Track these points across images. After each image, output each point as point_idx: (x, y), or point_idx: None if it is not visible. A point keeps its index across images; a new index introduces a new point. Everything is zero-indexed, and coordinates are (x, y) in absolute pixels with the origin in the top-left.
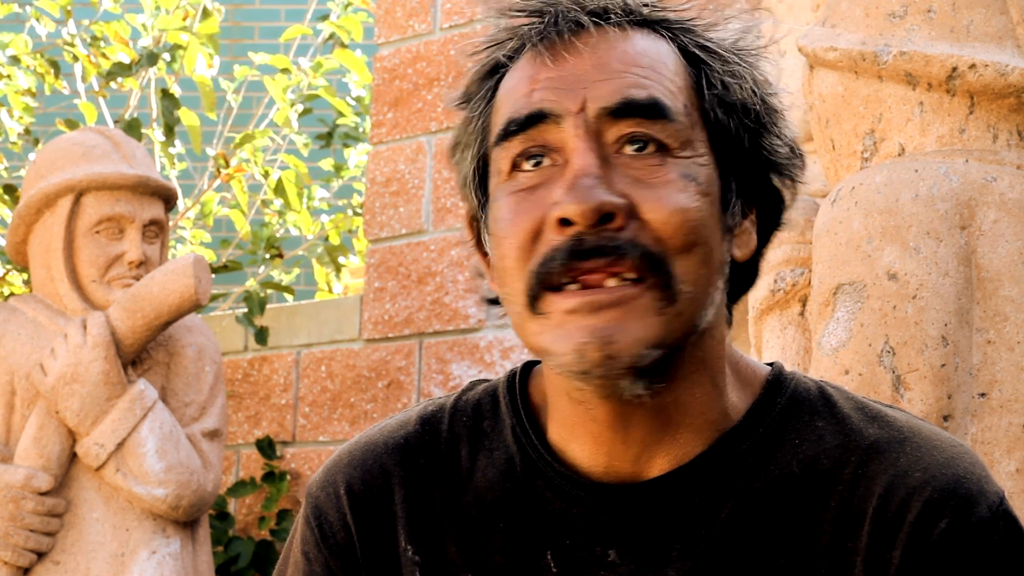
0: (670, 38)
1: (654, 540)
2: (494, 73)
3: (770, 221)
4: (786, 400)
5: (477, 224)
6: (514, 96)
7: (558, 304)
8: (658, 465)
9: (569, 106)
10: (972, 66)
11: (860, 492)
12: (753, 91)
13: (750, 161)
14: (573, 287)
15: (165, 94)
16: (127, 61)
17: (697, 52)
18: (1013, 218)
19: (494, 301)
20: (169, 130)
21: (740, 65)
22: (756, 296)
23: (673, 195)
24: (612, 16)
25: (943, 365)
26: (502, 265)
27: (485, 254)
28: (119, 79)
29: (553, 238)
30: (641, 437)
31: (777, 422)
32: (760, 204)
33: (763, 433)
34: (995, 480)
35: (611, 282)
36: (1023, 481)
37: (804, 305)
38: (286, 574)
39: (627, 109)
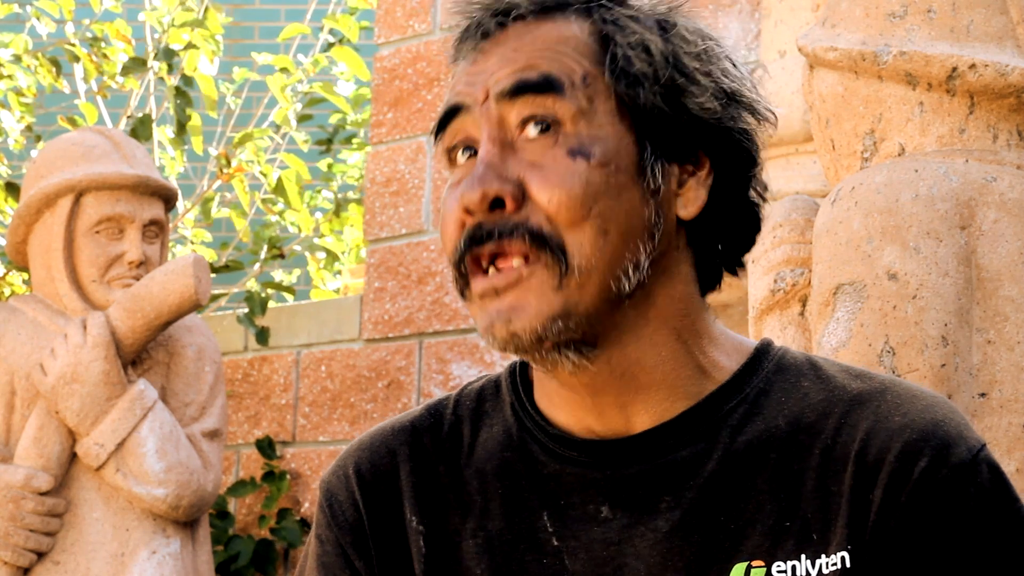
0: (583, 18)
1: (643, 493)
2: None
3: (737, 167)
4: (773, 365)
5: None
6: (445, 98)
7: (474, 288)
8: (640, 422)
9: (477, 96)
10: (972, 66)
11: (843, 439)
12: (663, 57)
13: (674, 123)
14: (490, 271)
15: (179, 91)
16: (133, 60)
17: (605, 28)
18: (1013, 218)
19: None
20: (181, 127)
21: (643, 34)
22: (756, 296)
23: (559, 173)
24: (515, 11)
25: (943, 365)
26: (447, 253)
27: None
28: (119, 79)
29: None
30: (613, 399)
31: (764, 383)
32: (713, 156)
33: (749, 393)
34: (976, 432)
35: (515, 262)
36: (1023, 481)
37: (804, 305)
38: (305, 566)
39: (520, 88)
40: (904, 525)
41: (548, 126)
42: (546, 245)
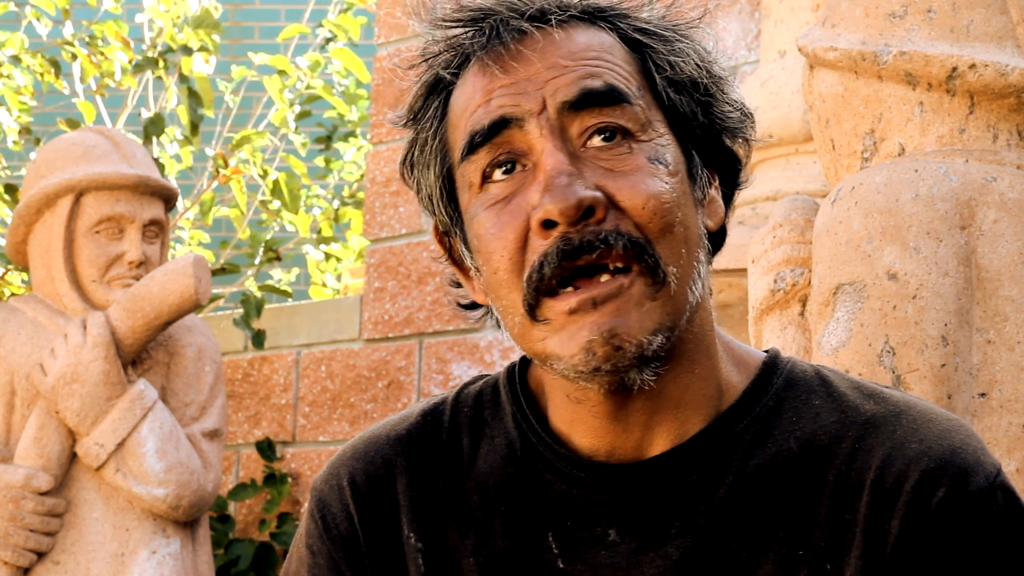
0: (609, 28)
1: (654, 518)
2: (439, 90)
3: (731, 183)
4: (782, 380)
5: (448, 238)
6: (470, 110)
7: (557, 308)
8: (658, 445)
9: (530, 108)
10: (972, 66)
11: (857, 465)
12: (698, 65)
13: (706, 132)
14: (568, 289)
15: (191, 92)
16: (131, 60)
17: (638, 37)
18: (1013, 218)
19: (469, 306)
20: (194, 128)
21: (681, 42)
22: (756, 296)
23: (645, 180)
24: (551, 17)
25: (943, 365)
26: (495, 279)
27: (459, 265)
28: (117, 77)
29: (540, 243)
30: (642, 422)
31: (774, 401)
32: (720, 170)
33: (760, 412)
34: (991, 454)
35: (603, 277)
36: (1023, 481)
37: (804, 305)
38: (291, 571)
39: (587, 99)
40: (920, 555)
41: (614, 135)
42: (643, 253)
